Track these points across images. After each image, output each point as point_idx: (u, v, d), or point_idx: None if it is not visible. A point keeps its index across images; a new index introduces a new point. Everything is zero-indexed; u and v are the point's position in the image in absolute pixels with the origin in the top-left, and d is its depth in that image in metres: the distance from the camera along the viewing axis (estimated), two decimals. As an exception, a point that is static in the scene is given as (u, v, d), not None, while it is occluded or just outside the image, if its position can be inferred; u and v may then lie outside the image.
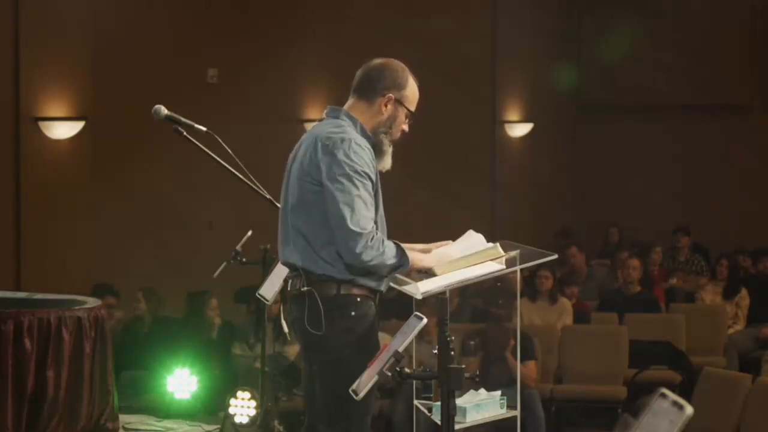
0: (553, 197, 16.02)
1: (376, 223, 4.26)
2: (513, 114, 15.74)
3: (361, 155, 4.23)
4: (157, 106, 5.01)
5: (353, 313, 4.24)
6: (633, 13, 16.45)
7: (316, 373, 4.36)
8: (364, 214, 4.16)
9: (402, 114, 4.42)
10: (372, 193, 4.24)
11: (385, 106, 4.39)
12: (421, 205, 13.25)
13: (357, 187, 4.17)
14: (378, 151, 4.36)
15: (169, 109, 5.01)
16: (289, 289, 4.36)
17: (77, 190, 10.44)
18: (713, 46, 16.34)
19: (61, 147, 10.32)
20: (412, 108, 4.44)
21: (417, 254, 4.31)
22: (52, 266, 10.02)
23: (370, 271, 4.23)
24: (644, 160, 16.52)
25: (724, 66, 16.38)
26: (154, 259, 10.84)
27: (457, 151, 14.57)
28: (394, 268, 4.23)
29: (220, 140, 4.94)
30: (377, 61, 4.46)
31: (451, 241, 4.45)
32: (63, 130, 10.29)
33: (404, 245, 4.28)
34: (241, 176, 5.13)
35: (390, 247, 4.19)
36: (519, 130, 15.76)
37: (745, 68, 16.46)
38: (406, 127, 4.46)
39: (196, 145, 5.09)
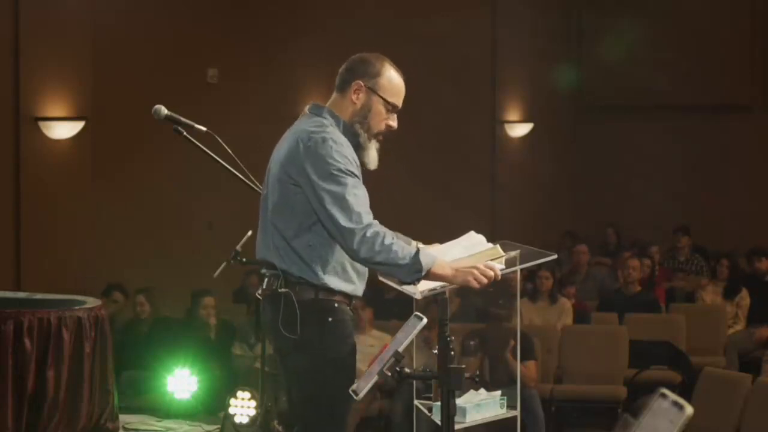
0: (553, 197, 16.02)
1: None
2: (513, 114, 15.74)
3: (343, 153, 4.09)
4: (157, 106, 5.00)
5: (330, 319, 4.13)
6: (633, 13, 16.47)
7: (292, 378, 4.26)
8: (355, 210, 4.01)
9: (378, 105, 4.22)
10: (363, 188, 4.10)
11: (356, 94, 4.22)
12: (421, 205, 13.26)
13: (344, 185, 4.03)
14: (356, 146, 4.20)
15: (169, 109, 5.00)
16: (264, 287, 4.22)
17: (77, 190, 10.45)
18: (713, 46, 16.35)
19: (61, 147, 10.32)
20: (391, 99, 4.23)
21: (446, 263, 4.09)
22: (52, 266, 10.02)
23: (386, 273, 4.06)
24: (644, 160, 16.53)
25: (724, 66, 16.39)
26: (154, 259, 10.85)
27: (457, 151, 14.57)
28: (410, 271, 4.00)
29: (220, 140, 4.92)
30: (357, 54, 4.32)
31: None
32: (63, 130, 10.30)
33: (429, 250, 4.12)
34: (241, 176, 5.12)
35: (400, 246, 4.00)
36: (519, 130, 15.76)
37: (745, 68, 16.47)
38: (393, 123, 4.27)
39: (196, 145, 5.08)
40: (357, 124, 4.24)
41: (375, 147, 4.27)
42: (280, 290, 4.14)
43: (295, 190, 4.13)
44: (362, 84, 4.23)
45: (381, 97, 4.24)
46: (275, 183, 4.21)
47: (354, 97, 4.23)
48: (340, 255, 4.15)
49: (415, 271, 4.00)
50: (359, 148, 4.23)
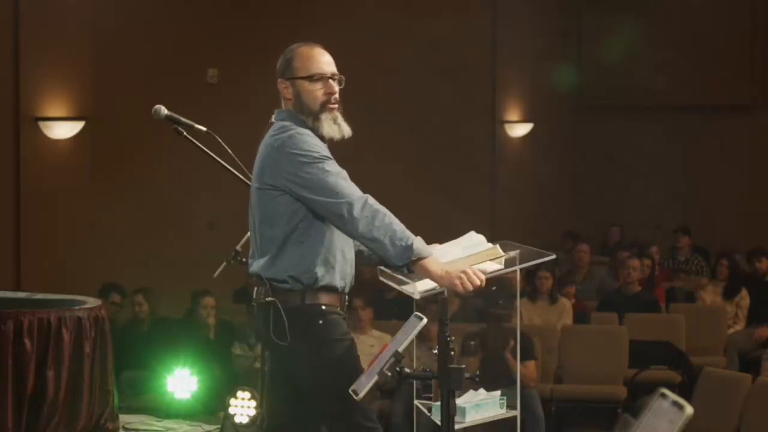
0: (553, 197, 16.02)
1: None
2: (513, 114, 15.74)
3: (312, 142, 4.18)
4: (157, 106, 5.01)
5: (320, 322, 4.18)
6: (633, 13, 16.47)
7: (285, 381, 4.31)
8: (342, 186, 4.09)
9: (302, 85, 4.28)
10: (340, 168, 4.16)
11: (285, 92, 4.32)
12: (421, 205, 13.25)
13: (322, 169, 4.11)
14: (314, 131, 4.25)
15: (169, 109, 5.01)
16: (254, 297, 4.30)
17: (77, 190, 10.45)
18: (713, 46, 16.35)
19: (61, 147, 10.32)
20: (311, 71, 4.28)
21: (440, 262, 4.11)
22: (52, 266, 10.02)
23: (378, 250, 4.05)
24: (644, 160, 16.54)
25: (724, 66, 16.39)
26: (154, 259, 10.85)
27: (457, 151, 14.57)
28: (402, 256, 4.04)
29: (220, 140, 4.94)
30: None
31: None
32: (63, 130, 10.30)
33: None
34: (241, 176, 5.13)
35: (400, 227, 4.05)
36: (519, 130, 15.76)
37: (745, 68, 16.47)
38: (330, 88, 4.29)
39: (196, 145, 5.09)
40: (299, 114, 4.31)
41: (330, 119, 4.29)
42: (267, 299, 4.21)
43: (273, 194, 4.20)
44: (282, 81, 4.33)
45: (299, 78, 4.30)
46: (256, 194, 4.30)
47: (286, 95, 4.34)
48: (331, 247, 4.20)
49: (406, 257, 4.04)
50: (315, 131, 4.27)
